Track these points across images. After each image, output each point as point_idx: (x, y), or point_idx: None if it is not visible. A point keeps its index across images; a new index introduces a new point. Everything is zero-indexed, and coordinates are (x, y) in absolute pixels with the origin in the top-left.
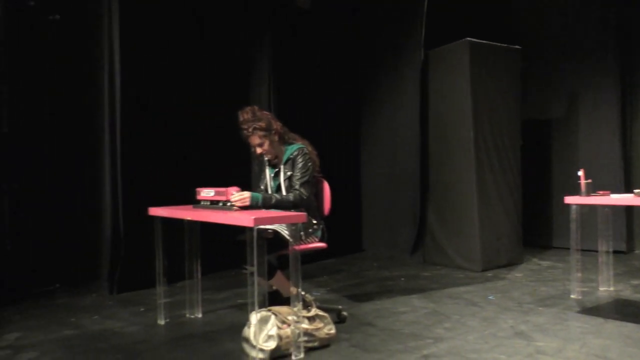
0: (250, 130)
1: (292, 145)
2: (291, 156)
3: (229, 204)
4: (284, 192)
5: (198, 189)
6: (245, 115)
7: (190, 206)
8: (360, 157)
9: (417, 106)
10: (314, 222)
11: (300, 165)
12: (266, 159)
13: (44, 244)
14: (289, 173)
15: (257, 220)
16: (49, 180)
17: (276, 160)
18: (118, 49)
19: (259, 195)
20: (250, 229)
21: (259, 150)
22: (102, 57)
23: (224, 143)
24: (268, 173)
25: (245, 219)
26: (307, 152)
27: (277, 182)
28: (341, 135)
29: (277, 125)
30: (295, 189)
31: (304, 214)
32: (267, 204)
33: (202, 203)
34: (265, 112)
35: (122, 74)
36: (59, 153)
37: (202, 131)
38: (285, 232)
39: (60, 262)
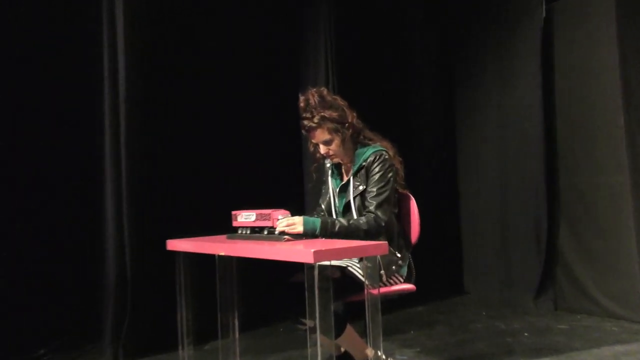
0: (316, 120)
1: (367, 148)
2: (365, 163)
3: (277, 231)
4: (354, 215)
5: (234, 213)
6: (310, 98)
7: (224, 236)
8: (457, 164)
9: (539, 86)
10: (398, 255)
11: (377, 176)
12: (328, 164)
13: (24, 295)
14: (361, 187)
15: (319, 255)
16: (23, 206)
17: (344, 168)
18: (122, 33)
19: (317, 221)
20: (309, 266)
21: (323, 149)
22: (99, 44)
23: (265, 150)
24: (332, 186)
25: (301, 253)
26: (387, 157)
27: (344, 200)
28: (430, 136)
29: (352, 117)
30: (370, 211)
31: (384, 243)
32: (328, 232)
33: (240, 232)
34: (338, 97)
35: (126, 68)
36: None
37: (234, 135)
38: (357, 271)
39: (47, 321)
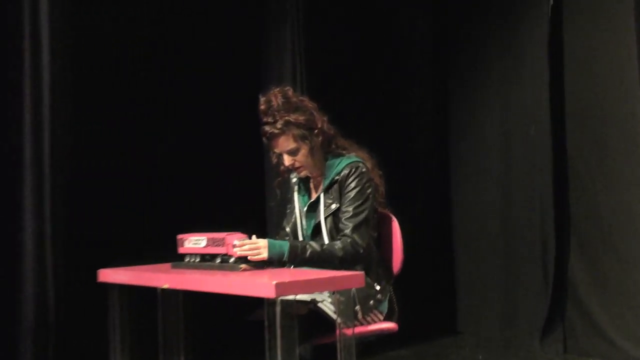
0: (279, 126)
1: (340, 159)
2: (338, 177)
3: (232, 260)
4: (325, 239)
5: (180, 237)
6: (273, 100)
7: (168, 265)
8: (450, 178)
9: (546, 85)
10: (377, 287)
11: (353, 193)
12: (294, 179)
13: None
14: (333, 206)
15: (282, 288)
16: None
17: (313, 183)
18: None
19: (285, 244)
20: (270, 302)
21: (288, 161)
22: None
23: (220, 160)
24: (298, 205)
25: (261, 286)
26: (365, 170)
27: (313, 221)
28: (419, 145)
29: (322, 122)
30: (346, 235)
31: (360, 274)
32: (297, 259)
33: (187, 260)
34: (305, 98)
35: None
36: None
37: (182, 142)
38: (328, 307)
39: None
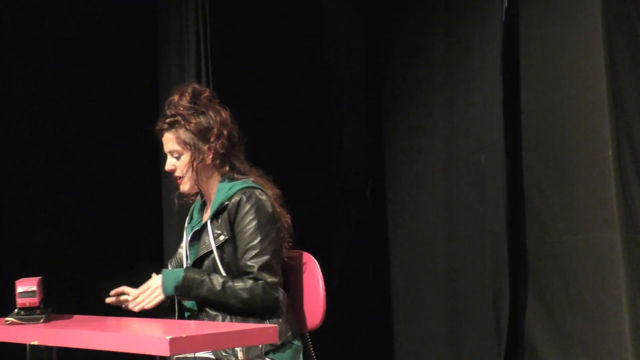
0: (167, 121)
1: (233, 183)
2: (228, 202)
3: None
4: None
5: (18, 283)
6: (181, 95)
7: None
8: (385, 215)
9: (499, 102)
10: (283, 339)
11: (253, 225)
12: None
13: None
14: (222, 237)
15: (178, 344)
16: None
17: (200, 204)
18: None
19: (179, 274)
20: None
21: (168, 165)
22: None
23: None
24: (186, 233)
25: (151, 341)
26: (264, 197)
27: (194, 252)
28: (347, 169)
29: (222, 139)
30: (254, 276)
31: (273, 326)
32: (191, 293)
33: (15, 315)
34: (222, 110)
35: None
36: None
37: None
38: None
39: None
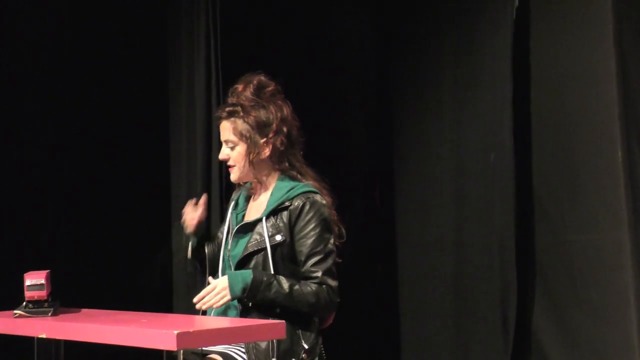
0: (227, 109)
1: (296, 183)
2: (290, 204)
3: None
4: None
5: (26, 276)
6: (247, 84)
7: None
8: (394, 215)
9: (508, 101)
10: (305, 345)
11: (317, 231)
12: (234, 196)
13: None
14: (279, 237)
15: (185, 338)
16: None
17: (253, 200)
18: None
19: (247, 275)
20: (171, 355)
21: (222, 153)
22: None
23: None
24: (229, 222)
25: (159, 336)
26: (323, 204)
27: (241, 247)
28: (356, 171)
29: (280, 135)
30: (319, 281)
31: (281, 322)
32: (257, 295)
33: (23, 307)
34: (285, 105)
35: None
36: None
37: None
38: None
39: None
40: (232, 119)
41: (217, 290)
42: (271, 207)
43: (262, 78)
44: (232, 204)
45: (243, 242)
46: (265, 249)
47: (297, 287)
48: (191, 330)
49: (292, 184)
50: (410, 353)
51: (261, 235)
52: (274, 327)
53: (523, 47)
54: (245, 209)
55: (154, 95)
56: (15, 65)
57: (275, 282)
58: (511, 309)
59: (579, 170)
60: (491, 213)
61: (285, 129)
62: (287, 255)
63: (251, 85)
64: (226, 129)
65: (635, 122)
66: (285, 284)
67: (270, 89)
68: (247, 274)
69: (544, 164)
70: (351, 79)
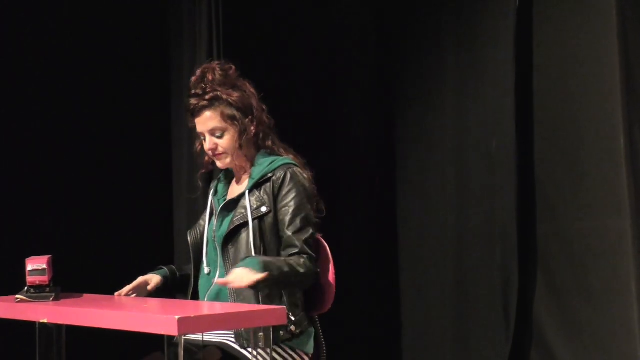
0: (207, 97)
1: (275, 157)
2: (272, 175)
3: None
4: (245, 250)
5: (28, 261)
6: (209, 73)
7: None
8: (395, 202)
9: (511, 90)
10: (291, 316)
11: (297, 201)
12: (214, 182)
13: None
14: (264, 208)
15: (187, 324)
16: None
17: (236, 179)
18: None
19: (256, 261)
20: (171, 341)
21: (209, 143)
22: None
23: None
24: (210, 206)
25: (159, 321)
26: (304, 177)
27: (227, 223)
28: (357, 157)
29: (261, 111)
30: (298, 251)
31: (282, 308)
32: (276, 276)
33: (25, 292)
34: (247, 82)
35: None
36: None
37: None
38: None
39: None
40: (216, 106)
41: (241, 274)
42: (254, 181)
43: (217, 62)
44: (212, 191)
45: (228, 219)
46: (247, 222)
47: (290, 261)
48: (192, 316)
49: (272, 157)
50: (410, 341)
51: (246, 209)
52: (275, 312)
53: (526, 34)
54: (226, 193)
55: (154, 96)
56: (15, 65)
57: (275, 261)
58: (512, 296)
59: (580, 157)
60: (493, 200)
61: (264, 106)
62: (274, 227)
63: (217, 72)
64: (211, 119)
65: (638, 110)
66: (281, 260)
67: (232, 70)
68: (248, 258)
69: (546, 151)
70: (351, 63)
